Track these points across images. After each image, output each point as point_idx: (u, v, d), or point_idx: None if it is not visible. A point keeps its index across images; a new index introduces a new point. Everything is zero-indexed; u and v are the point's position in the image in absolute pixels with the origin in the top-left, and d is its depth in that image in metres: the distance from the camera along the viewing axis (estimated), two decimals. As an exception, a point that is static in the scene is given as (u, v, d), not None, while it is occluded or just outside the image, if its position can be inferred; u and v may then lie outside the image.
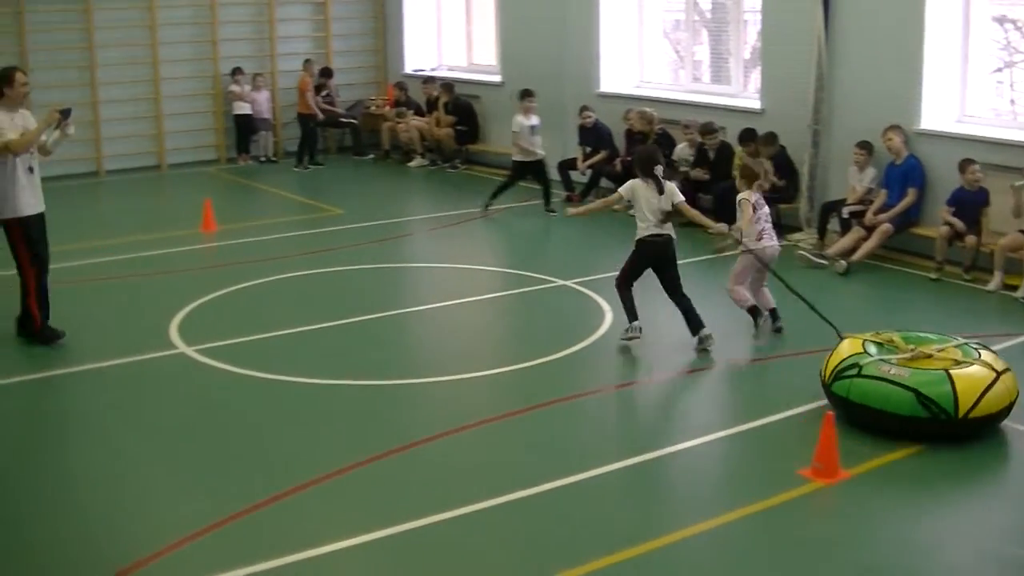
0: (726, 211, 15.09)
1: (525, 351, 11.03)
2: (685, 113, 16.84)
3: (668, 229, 10.77)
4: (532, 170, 17.49)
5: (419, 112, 22.40)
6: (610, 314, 11.79)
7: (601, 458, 8.46)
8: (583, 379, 10.32)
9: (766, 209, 11.39)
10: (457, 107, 21.37)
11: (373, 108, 24.00)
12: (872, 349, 9.20)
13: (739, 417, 9.33)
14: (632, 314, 10.87)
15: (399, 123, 22.40)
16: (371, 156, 23.06)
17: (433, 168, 21.51)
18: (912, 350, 9.13)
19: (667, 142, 16.57)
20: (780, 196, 14.92)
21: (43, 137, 11.39)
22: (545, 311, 12.54)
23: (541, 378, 10.28)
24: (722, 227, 11.40)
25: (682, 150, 16.30)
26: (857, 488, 8.03)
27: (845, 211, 14.11)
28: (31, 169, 11.25)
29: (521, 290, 13.14)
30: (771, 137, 15.09)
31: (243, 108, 22.86)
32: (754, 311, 11.31)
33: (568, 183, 18.15)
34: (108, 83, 22.22)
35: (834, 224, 14.49)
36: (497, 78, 21.31)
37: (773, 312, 11.38)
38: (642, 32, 18.83)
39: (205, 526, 7.52)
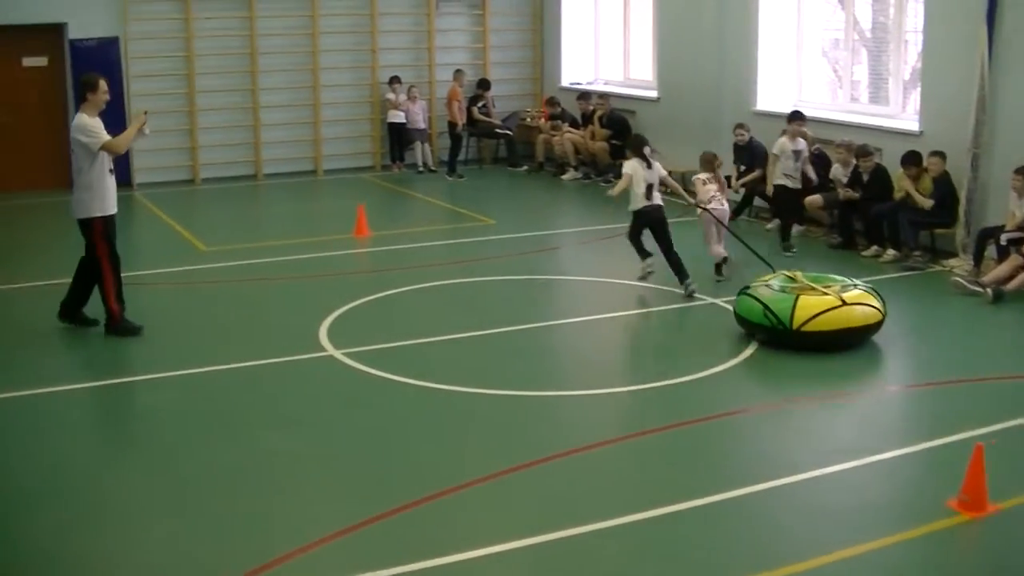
0: (876, 234, 14.96)
1: (669, 368, 10.99)
2: (842, 133, 16.59)
3: (658, 199, 13.73)
4: (789, 199, 16.16)
5: (574, 125, 22.47)
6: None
7: (744, 479, 8.38)
8: (728, 398, 10.25)
9: (715, 185, 14.57)
10: (612, 121, 21.37)
11: (528, 120, 24.14)
12: (776, 280, 11.88)
13: (888, 444, 9.15)
14: (643, 254, 13.92)
15: (554, 136, 22.49)
16: (525, 167, 23.18)
17: (586, 182, 21.54)
18: (804, 284, 11.71)
19: (823, 162, 16.35)
20: (936, 221, 14.67)
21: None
22: (692, 328, 12.48)
23: (685, 396, 10.23)
24: (691, 200, 14.73)
25: (837, 170, 16.08)
26: (1005, 522, 7.84)
27: (1003, 238, 13.77)
28: (111, 171, 11.91)
29: (669, 306, 13.08)
30: (940, 156, 14.71)
31: (397, 117, 23.17)
32: (720, 264, 14.27)
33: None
34: (269, 89, 22.69)
35: (991, 251, 14.17)
36: (653, 93, 21.27)
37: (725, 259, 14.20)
38: (800, 50, 18.64)
39: (347, 526, 7.63)
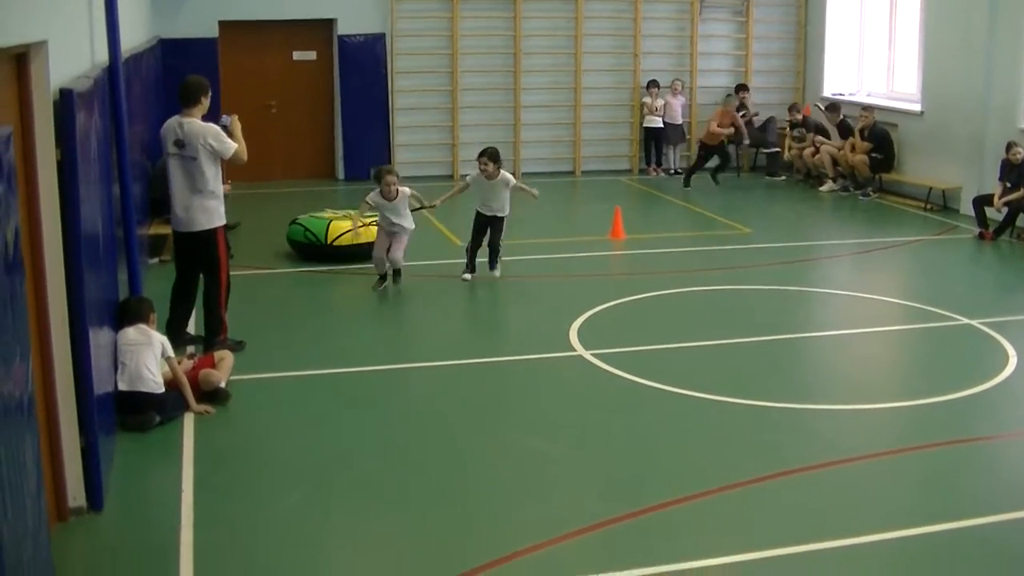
0: None
1: (918, 388, 10.81)
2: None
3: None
4: None
5: (821, 133, 22.17)
6: (1015, 359, 11.39)
7: (993, 507, 8.17)
8: (979, 423, 10.03)
9: None
10: (874, 134, 21.03)
11: (788, 129, 23.94)
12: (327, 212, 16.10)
13: None
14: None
15: (799, 147, 22.27)
16: (783, 177, 23.02)
17: (845, 194, 21.25)
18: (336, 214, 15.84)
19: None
20: None
21: None
22: (944, 349, 12.22)
23: (933, 417, 10.01)
24: None
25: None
26: None
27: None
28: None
29: (921, 325, 12.84)
30: None
31: (654, 121, 23.35)
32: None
33: (982, 219, 17.57)
34: (530, 89, 23.07)
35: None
36: (917, 107, 20.83)
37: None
38: (1075, 66, 18.05)
39: (585, 526, 7.75)
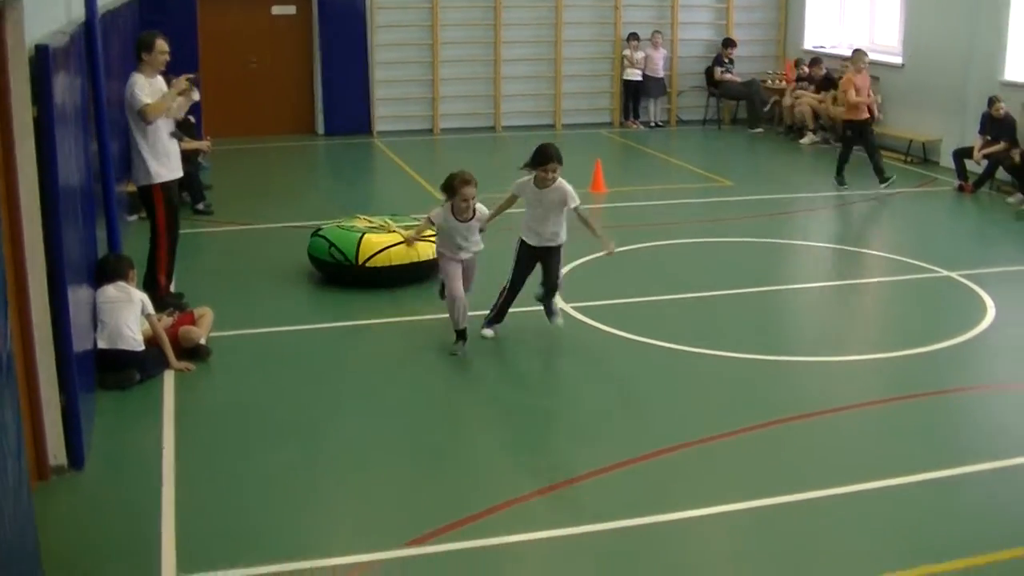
0: None
1: (897, 340, 10.85)
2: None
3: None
4: None
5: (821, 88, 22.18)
6: (993, 310, 11.44)
7: (972, 456, 8.23)
8: (956, 374, 10.08)
9: None
10: (855, 86, 21.03)
11: (769, 82, 23.91)
12: (356, 223, 12.57)
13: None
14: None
15: (797, 99, 22.25)
16: (759, 130, 23.05)
17: (825, 146, 21.26)
18: (372, 223, 12.51)
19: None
20: None
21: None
22: (924, 301, 12.26)
23: (912, 369, 10.07)
24: None
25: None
26: None
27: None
28: (172, 135, 11.21)
29: (902, 277, 12.89)
30: None
31: (634, 75, 23.33)
32: None
33: (962, 172, 17.59)
34: (511, 42, 22.98)
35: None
36: (898, 59, 20.82)
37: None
38: (1056, 19, 18.03)
39: (569, 479, 7.80)
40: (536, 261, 10.52)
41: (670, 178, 18.71)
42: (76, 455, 7.84)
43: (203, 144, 15.21)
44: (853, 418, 8.98)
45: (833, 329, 11.49)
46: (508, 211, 10.91)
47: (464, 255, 10.37)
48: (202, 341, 10.06)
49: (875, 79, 20.98)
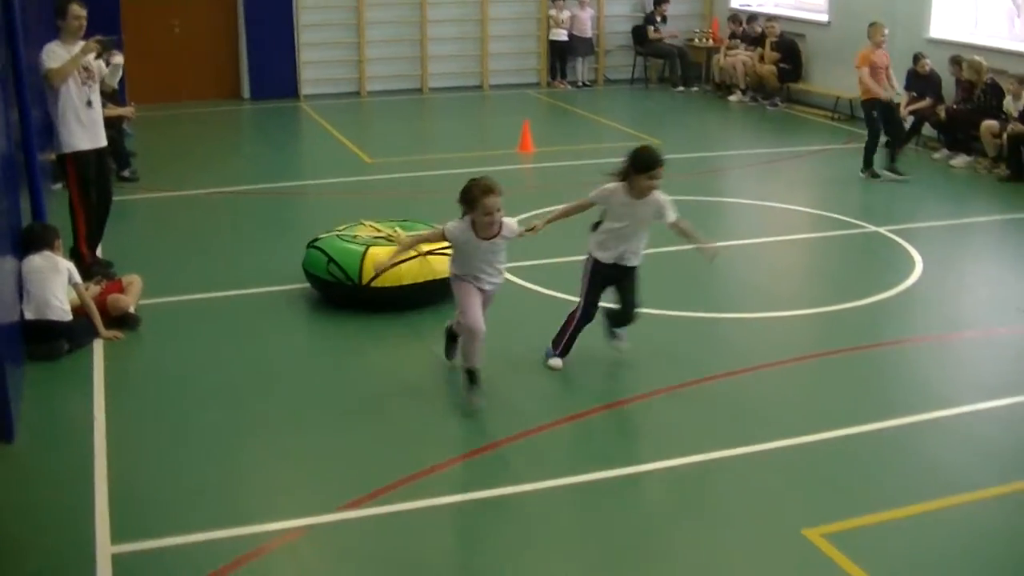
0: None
1: (827, 295, 10.94)
2: (1018, 65, 16.21)
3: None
4: None
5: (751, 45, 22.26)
6: (920, 264, 11.56)
7: (900, 409, 8.31)
8: (886, 328, 10.17)
9: None
10: (782, 44, 21.12)
11: (696, 40, 23.96)
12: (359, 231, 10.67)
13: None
14: None
15: (728, 56, 22.29)
16: (680, 88, 23.16)
17: (753, 104, 21.36)
18: (378, 231, 10.63)
19: (995, 92, 16.02)
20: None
21: (103, 72, 11.12)
22: (852, 256, 12.36)
23: (842, 323, 10.16)
24: None
25: (1008, 103, 15.71)
26: None
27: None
28: (89, 103, 10.81)
29: (830, 233, 12.98)
30: None
31: (560, 35, 23.31)
32: None
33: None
34: (437, 3, 22.86)
35: None
36: (824, 17, 20.93)
37: None
38: (979, -24, 18.16)
39: (513, 435, 7.82)
40: (610, 283, 8.96)
41: (599, 137, 18.70)
42: (6, 427, 7.74)
43: (127, 110, 15.01)
44: (784, 374, 9.05)
45: (763, 285, 11.54)
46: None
47: (486, 285, 8.30)
48: (131, 309, 9.95)
49: (800, 37, 21.12)
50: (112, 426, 7.99)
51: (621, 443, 7.88)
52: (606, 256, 8.77)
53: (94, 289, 10.01)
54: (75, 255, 10.91)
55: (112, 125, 12.92)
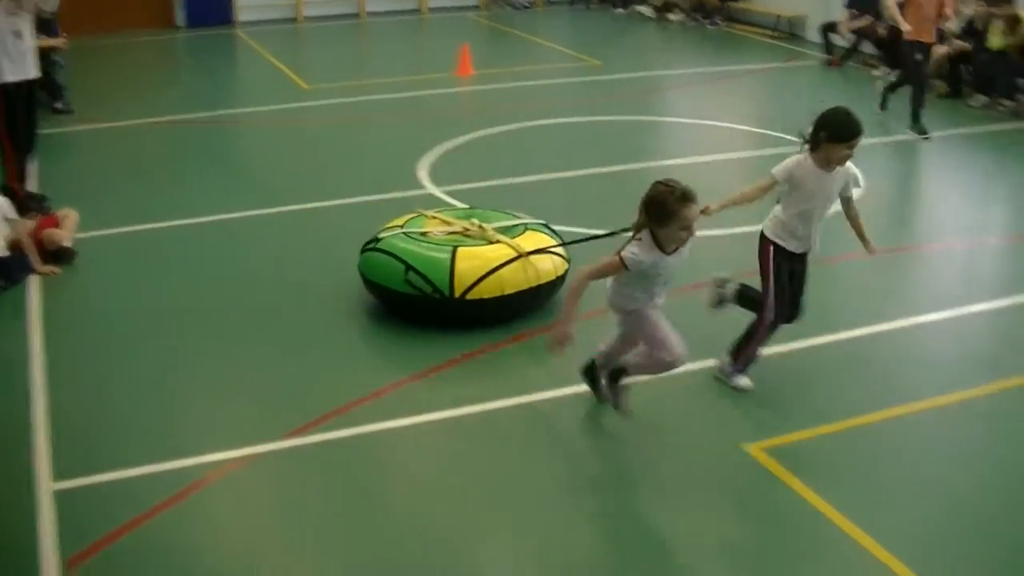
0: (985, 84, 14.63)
1: (766, 213, 10.90)
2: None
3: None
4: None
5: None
6: (862, 181, 11.57)
7: (844, 324, 8.42)
8: (827, 244, 10.15)
9: None
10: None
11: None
12: (427, 224, 8.70)
13: (988, 295, 9.06)
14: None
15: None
16: (621, 8, 23.09)
17: (693, 24, 21.28)
18: (451, 224, 8.70)
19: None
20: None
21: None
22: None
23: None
24: None
25: (949, 23, 15.71)
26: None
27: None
28: (19, 34, 10.55)
29: (771, 151, 12.91)
30: None
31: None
32: None
33: (829, 46, 17.76)
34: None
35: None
36: (762, -68, 20.86)
37: None
38: None
39: (435, 365, 7.79)
40: (794, 274, 7.50)
41: (539, 59, 18.60)
42: (-60, 365, 7.65)
43: (58, 41, 14.72)
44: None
45: (702, 203, 11.50)
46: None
47: (661, 299, 6.95)
48: (67, 243, 9.82)
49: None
50: (50, 362, 7.89)
51: (544, 370, 7.85)
52: (796, 245, 7.36)
53: (28, 224, 9.86)
54: (7, 191, 10.66)
55: (44, 57, 12.68)
